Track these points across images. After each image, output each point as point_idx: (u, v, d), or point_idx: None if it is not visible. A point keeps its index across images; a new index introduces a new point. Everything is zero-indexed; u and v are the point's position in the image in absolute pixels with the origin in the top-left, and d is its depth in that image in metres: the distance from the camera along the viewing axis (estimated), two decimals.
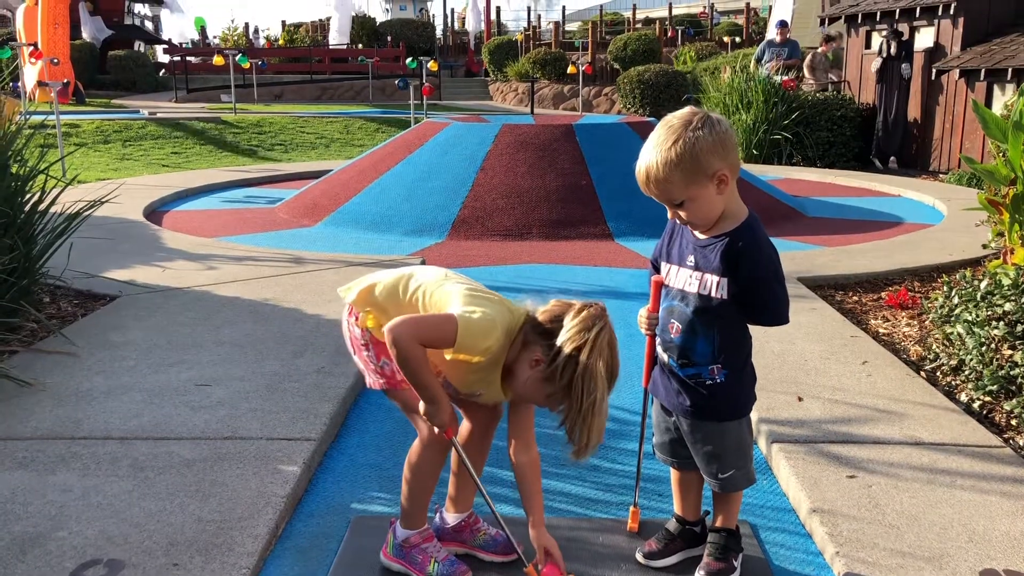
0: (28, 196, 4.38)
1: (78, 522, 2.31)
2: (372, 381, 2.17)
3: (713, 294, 2.01)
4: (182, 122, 14.27)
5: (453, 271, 2.17)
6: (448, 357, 2.00)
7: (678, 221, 2.06)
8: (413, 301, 2.06)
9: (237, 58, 19.13)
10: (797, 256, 5.75)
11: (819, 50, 13.27)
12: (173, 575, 2.08)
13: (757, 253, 1.98)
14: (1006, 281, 3.71)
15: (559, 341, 1.93)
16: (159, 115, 15.11)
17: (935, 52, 10.91)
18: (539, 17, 37.60)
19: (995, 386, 3.27)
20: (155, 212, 7.78)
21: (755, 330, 2.11)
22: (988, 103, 9.75)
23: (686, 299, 2.06)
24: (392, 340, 1.91)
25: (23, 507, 2.39)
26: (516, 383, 2.01)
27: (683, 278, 2.08)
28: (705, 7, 34.07)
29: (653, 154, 1.93)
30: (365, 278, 2.17)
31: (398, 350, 1.91)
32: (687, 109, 1.99)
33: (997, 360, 3.37)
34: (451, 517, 2.31)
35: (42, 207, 4.44)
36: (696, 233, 2.06)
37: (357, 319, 2.13)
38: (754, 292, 1.99)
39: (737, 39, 25.20)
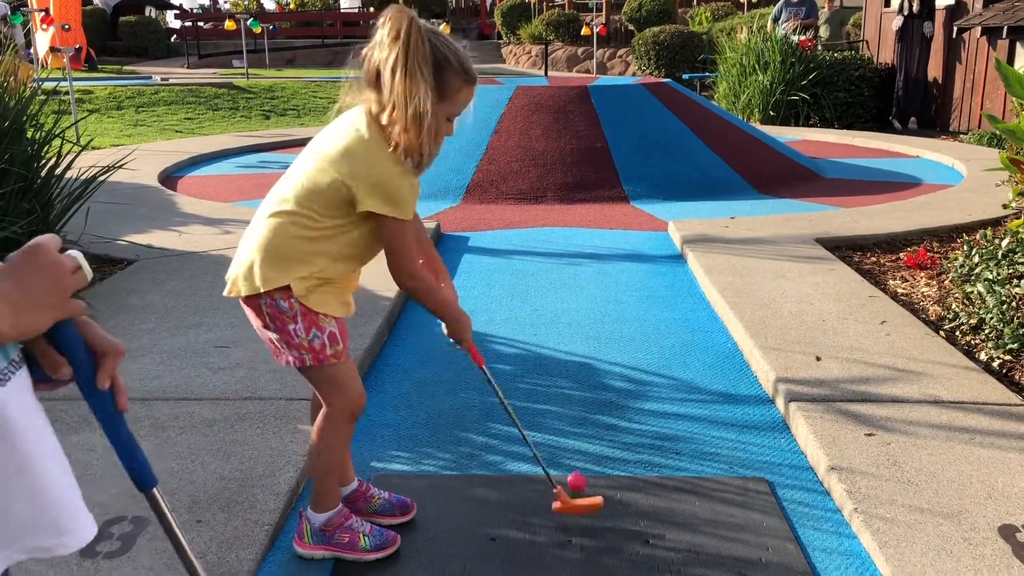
0: (44, 160, 4.39)
1: (102, 480, 2.34)
2: (293, 359, 1.94)
3: None
4: (195, 88, 14.22)
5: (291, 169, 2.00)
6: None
7: None
8: (306, 215, 1.90)
9: (248, 23, 18.98)
10: (814, 217, 5.69)
11: None
12: (197, 531, 2.11)
13: None
14: None
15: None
16: (171, 81, 15.07)
17: (956, 10, 10.68)
18: None
19: (1015, 344, 3.25)
20: (170, 177, 7.78)
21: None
22: (1011, 61, 9.56)
23: None
24: (412, 288, 1.97)
25: None
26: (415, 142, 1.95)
27: None
28: None
29: None
30: (241, 260, 1.94)
31: (418, 290, 1.97)
32: None
33: (1018, 318, 3.34)
34: (343, 491, 2.24)
35: (58, 171, 4.45)
36: None
37: (273, 299, 1.90)
38: None
39: None
